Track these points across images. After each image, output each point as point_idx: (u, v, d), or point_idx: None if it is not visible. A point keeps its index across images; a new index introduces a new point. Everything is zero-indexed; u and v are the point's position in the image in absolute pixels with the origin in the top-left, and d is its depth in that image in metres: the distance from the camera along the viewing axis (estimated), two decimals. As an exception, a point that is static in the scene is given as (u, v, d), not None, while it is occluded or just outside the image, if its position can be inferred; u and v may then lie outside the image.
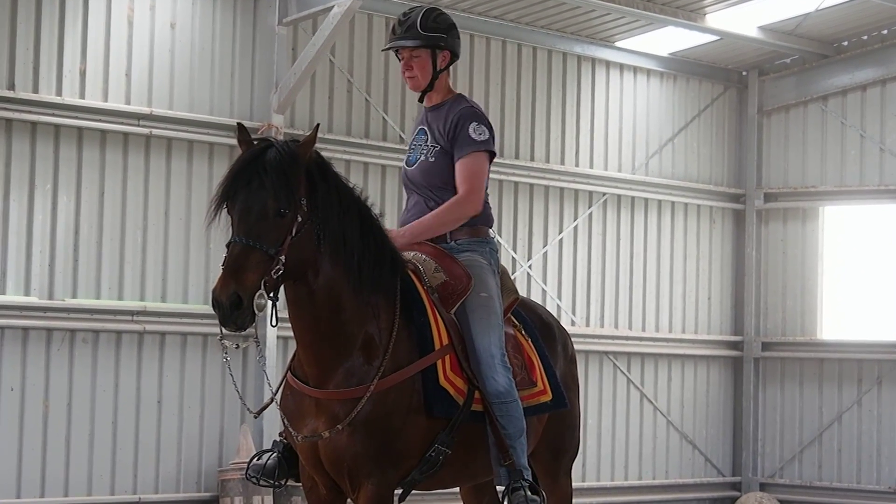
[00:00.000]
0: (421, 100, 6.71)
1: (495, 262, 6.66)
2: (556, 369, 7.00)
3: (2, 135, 11.97)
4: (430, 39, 6.53)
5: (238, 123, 6.15)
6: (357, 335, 6.02)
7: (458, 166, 6.48)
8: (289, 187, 5.77)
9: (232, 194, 5.76)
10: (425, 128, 6.65)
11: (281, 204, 5.74)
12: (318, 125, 6.14)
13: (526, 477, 6.35)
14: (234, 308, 5.58)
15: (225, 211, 5.82)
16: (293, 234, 5.77)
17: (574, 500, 7.63)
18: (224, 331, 5.72)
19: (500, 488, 6.61)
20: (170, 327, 12.62)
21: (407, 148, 6.83)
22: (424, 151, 6.60)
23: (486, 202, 6.64)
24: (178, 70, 12.85)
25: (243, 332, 5.79)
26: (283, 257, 5.71)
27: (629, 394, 15.89)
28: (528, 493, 6.29)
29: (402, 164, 6.79)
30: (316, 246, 5.88)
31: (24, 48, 12.04)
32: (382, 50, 6.73)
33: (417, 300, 6.23)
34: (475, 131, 6.50)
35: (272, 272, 5.68)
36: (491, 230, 6.73)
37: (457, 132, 6.49)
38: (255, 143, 5.92)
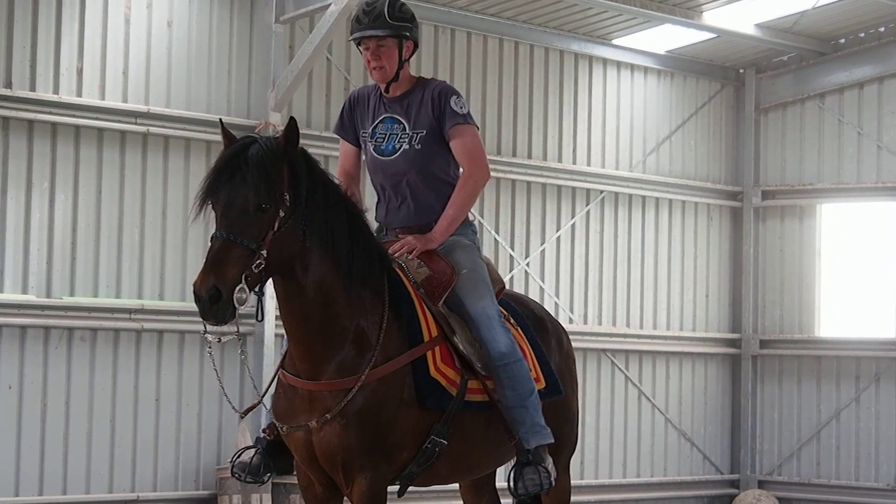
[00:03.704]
0: (387, 90, 6.64)
1: (477, 242, 6.76)
2: (550, 360, 7.01)
3: (-1, 133, 12.00)
4: (398, 29, 6.52)
5: (219, 120, 6.15)
6: (348, 329, 6.03)
7: (454, 138, 6.54)
8: (269, 182, 5.77)
9: (214, 190, 5.79)
10: (396, 116, 6.61)
11: (262, 199, 5.75)
12: (292, 118, 5.99)
13: (536, 448, 6.39)
14: (212, 301, 5.61)
15: (209, 207, 5.84)
16: (275, 229, 5.78)
17: (573, 498, 7.63)
18: (207, 326, 5.77)
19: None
20: (168, 325, 12.63)
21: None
22: (405, 140, 6.58)
23: None
24: (175, 68, 12.85)
25: (224, 328, 5.80)
26: (264, 252, 5.72)
27: (627, 391, 15.89)
28: (529, 475, 6.34)
29: (370, 151, 6.69)
30: (301, 241, 5.89)
31: (21, 46, 12.04)
32: (349, 40, 6.71)
33: (405, 295, 6.26)
34: (456, 104, 6.55)
35: (253, 266, 5.69)
36: (469, 213, 6.77)
37: (442, 108, 6.52)
38: (239, 139, 5.94)
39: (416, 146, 6.56)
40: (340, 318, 6.01)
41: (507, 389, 6.33)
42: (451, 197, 6.55)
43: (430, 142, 6.56)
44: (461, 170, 6.63)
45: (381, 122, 6.67)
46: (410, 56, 6.62)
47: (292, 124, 5.91)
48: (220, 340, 6.23)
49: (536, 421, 6.40)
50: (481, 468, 6.75)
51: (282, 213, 5.81)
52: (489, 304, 6.42)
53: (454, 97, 6.55)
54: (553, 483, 6.46)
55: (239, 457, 6.46)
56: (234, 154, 5.83)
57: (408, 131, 6.58)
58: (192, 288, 5.70)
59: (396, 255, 6.45)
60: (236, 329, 5.81)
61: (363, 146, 6.75)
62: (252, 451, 6.43)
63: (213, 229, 5.81)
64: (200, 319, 5.70)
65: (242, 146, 5.86)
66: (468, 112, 6.60)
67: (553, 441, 6.50)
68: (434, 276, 6.45)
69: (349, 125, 6.81)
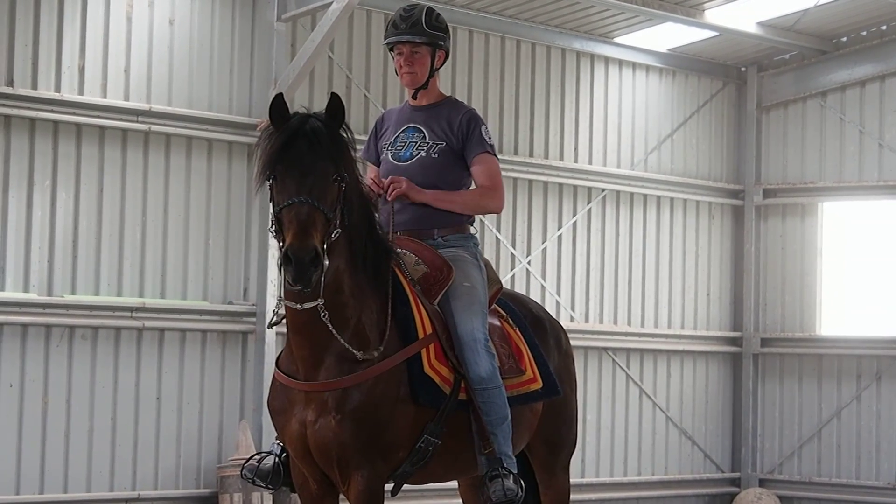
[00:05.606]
0: (414, 97, 6.75)
1: (479, 257, 6.76)
2: (548, 360, 7.00)
3: (0, 131, 11.96)
4: (433, 38, 6.65)
5: (280, 94, 6.02)
6: (350, 320, 6.01)
7: (477, 164, 6.63)
8: (341, 154, 5.84)
9: (287, 157, 5.75)
10: (419, 126, 6.69)
11: (339, 169, 5.80)
12: (335, 94, 5.98)
13: (506, 465, 6.33)
14: (313, 263, 5.57)
15: (266, 182, 5.81)
16: (341, 203, 5.83)
17: (573, 497, 7.63)
18: (288, 290, 5.73)
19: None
20: (169, 324, 12.61)
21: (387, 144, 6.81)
22: (424, 148, 6.64)
23: None
24: (177, 66, 12.84)
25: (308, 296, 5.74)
26: (337, 221, 5.77)
27: (628, 390, 15.89)
28: (506, 482, 6.25)
29: (388, 157, 6.75)
30: (344, 221, 5.91)
31: (22, 44, 12.04)
32: (385, 42, 6.75)
33: (401, 291, 6.27)
34: (485, 134, 6.67)
35: (332, 235, 5.74)
36: (472, 227, 6.82)
37: (469, 132, 6.63)
38: (294, 114, 5.93)
39: (433, 155, 6.62)
40: (346, 307, 5.99)
41: (481, 414, 6.32)
42: (466, 191, 6.63)
43: (448, 155, 6.62)
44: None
45: (403, 132, 6.74)
46: (441, 65, 6.73)
47: (336, 100, 5.91)
48: (274, 322, 6.24)
49: (503, 450, 6.36)
50: (477, 467, 6.74)
51: (344, 188, 5.84)
52: (478, 327, 6.38)
53: (483, 126, 6.67)
54: (523, 495, 6.40)
55: (252, 460, 6.42)
56: (299, 125, 5.82)
57: (427, 140, 6.64)
58: (285, 251, 5.57)
59: (385, 189, 6.50)
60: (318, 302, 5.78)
61: (381, 155, 6.79)
62: (265, 457, 6.40)
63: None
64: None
65: (305, 118, 5.85)
66: (494, 143, 6.73)
67: (516, 472, 6.42)
68: (431, 273, 6.46)
69: (373, 148, 6.88)
